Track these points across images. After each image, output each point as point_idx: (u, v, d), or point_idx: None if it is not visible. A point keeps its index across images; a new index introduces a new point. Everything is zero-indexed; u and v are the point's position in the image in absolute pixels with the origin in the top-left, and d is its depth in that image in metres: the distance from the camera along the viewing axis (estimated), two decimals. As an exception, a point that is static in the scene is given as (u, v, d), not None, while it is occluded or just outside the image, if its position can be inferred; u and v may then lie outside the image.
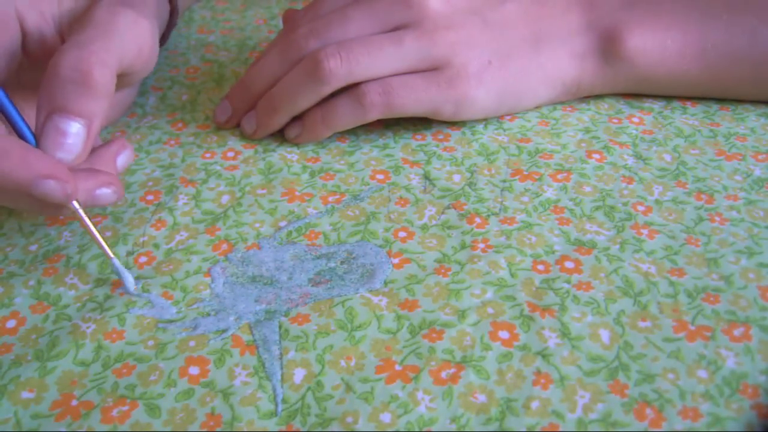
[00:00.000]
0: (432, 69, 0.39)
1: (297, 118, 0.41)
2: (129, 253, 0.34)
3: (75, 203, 0.31)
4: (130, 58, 0.34)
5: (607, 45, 0.41)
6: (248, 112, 0.42)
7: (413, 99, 0.39)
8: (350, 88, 0.39)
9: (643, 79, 0.42)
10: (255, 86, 0.42)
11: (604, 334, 0.29)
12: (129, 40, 0.34)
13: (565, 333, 0.29)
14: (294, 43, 0.40)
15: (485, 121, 0.42)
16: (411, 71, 0.39)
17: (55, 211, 0.31)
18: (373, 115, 0.39)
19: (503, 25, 0.40)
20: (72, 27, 0.34)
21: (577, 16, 0.41)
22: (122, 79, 0.35)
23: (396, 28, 0.39)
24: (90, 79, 0.31)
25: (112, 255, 0.32)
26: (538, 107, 0.43)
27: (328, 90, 0.39)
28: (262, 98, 0.41)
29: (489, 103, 0.40)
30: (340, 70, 0.38)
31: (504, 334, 0.29)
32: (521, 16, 0.41)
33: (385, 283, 0.32)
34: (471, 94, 0.39)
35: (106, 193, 0.31)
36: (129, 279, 0.32)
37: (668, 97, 0.44)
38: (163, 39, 0.46)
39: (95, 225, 0.32)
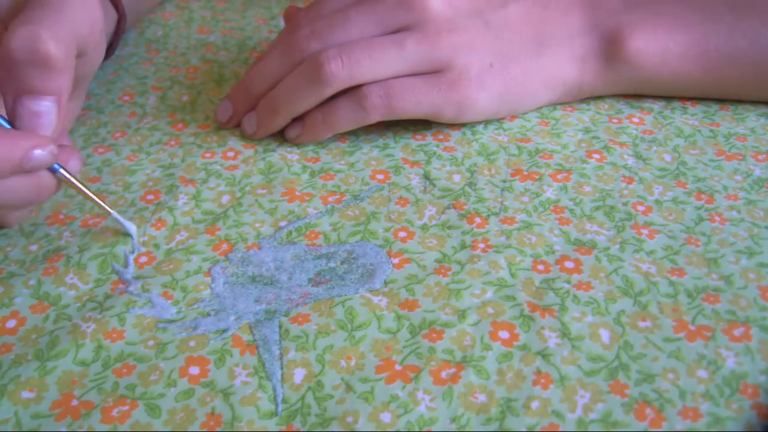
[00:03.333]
0: (433, 71, 0.39)
1: (298, 119, 0.41)
2: (129, 253, 0.34)
3: (62, 170, 0.32)
4: (84, 34, 0.33)
5: (609, 47, 0.41)
6: (249, 112, 0.42)
7: (414, 102, 0.39)
8: (351, 90, 0.39)
9: (644, 80, 0.42)
10: (256, 87, 0.42)
11: (604, 334, 0.29)
12: (80, 14, 0.33)
13: (565, 333, 0.29)
14: (295, 44, 0.40)
15: (485, 121, 0.42)
16: (412, 74, 0.39)
17: (38, 192, 0.31)
18: (374, 118, 0.39)
19: (505, 27, 0.40)
20: (17, 9, 0.33)
21: (579, 18, 0.41)
22: (77, 62, 0.33)
23: (397, 30, 0.39)
24: (47, 57, 0.30)
25: (110, 209, 0.34)
26: (538, 108, 0.43)
27: (329, 92, 0.39)
28: (263, 99, 0.41)
29: (490, 105, 0.40)
30: (341, 72, 0.38)
31: (504, 334, 0.29)
32: (523, 18, 0.41)
33: (385, 283, 0.32)
34: (472, 97, 0.39)
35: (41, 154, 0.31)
36: (132, 228, 0.34)
37: (668, 98, 0.44)
38: (111, 48, 0.45)
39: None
